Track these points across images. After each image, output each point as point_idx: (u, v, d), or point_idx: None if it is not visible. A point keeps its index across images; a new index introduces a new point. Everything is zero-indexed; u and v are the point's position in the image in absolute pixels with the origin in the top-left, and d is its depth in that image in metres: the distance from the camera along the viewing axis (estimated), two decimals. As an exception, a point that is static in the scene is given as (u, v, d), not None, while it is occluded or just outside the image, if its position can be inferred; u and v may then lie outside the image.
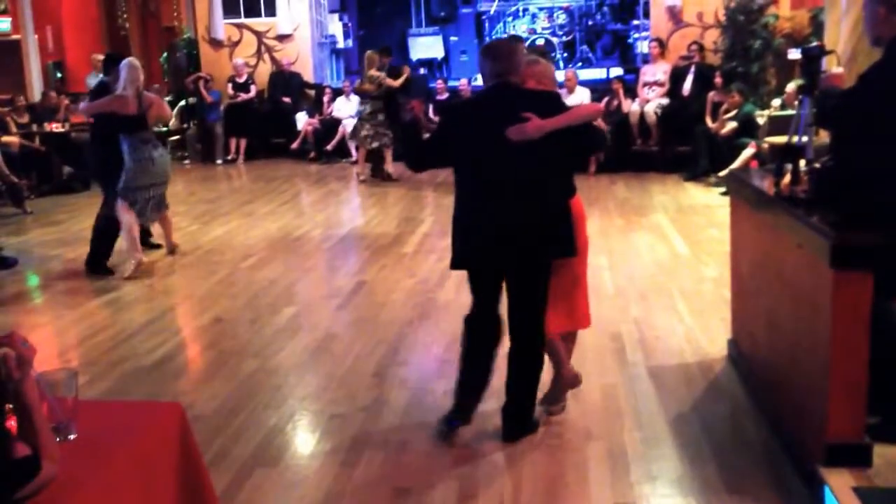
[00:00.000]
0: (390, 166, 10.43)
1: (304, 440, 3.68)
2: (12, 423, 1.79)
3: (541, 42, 14.09)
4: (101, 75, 11.08)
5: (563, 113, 3.28)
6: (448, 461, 3.37)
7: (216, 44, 13.36)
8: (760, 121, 8.93)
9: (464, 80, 11.88)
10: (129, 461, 1.97)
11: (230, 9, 13.29)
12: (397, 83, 10.42)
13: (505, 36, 14.46)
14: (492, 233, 3.34)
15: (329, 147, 12.26)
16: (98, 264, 6.58)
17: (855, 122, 3.09)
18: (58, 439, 1.94)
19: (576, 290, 3.62)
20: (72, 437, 1.99)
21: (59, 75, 13.92)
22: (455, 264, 3.50)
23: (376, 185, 10.28)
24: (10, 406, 1.78)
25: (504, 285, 3.47)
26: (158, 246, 7.21)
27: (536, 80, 3.48)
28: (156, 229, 7.20)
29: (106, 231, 6.61)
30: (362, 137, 10.39)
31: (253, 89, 12.90)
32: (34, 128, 10.70)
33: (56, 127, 10.80)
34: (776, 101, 9.06)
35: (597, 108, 3.48)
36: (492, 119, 3.29)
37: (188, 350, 4.80)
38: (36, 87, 12.87)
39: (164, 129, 11.74)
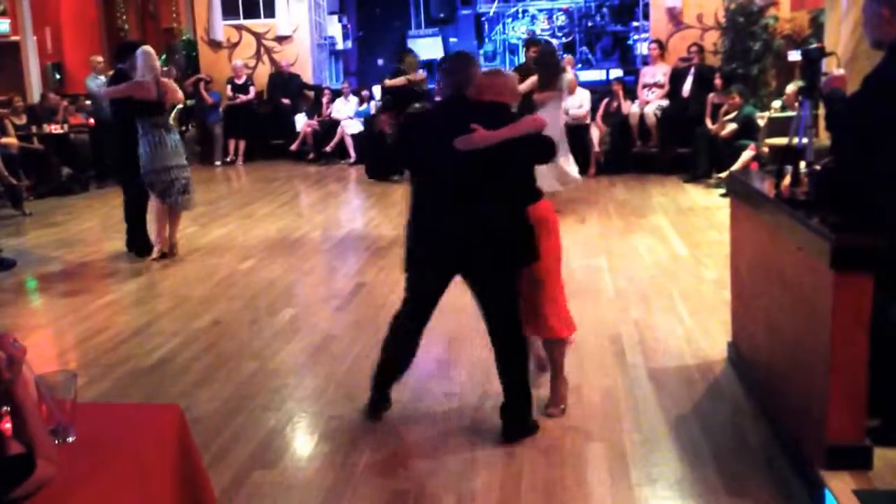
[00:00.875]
0: None
1: (303, 442, 3.67)
2: (7, 426, 1.78)
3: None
4: (100, 77, 11.15)
5: (509, 126, 3.40)
6: (447, 463, 3.37)
7: (215, 45, 13.36)
8: (760, 122, 8.92)
9: None
10: (127, 463, 1.96)
11: (229, 10, 13.30)
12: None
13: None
14: (443, 237, 3.49)
15: (328, 148, 12.26)
16: (133, 244, 7.10)
17: (858, 125, 3.08)
18: (56, 441, 1.93)
19: (539, 297, 3.64)
20: (70, 439, 1.98)
21: (57, 76, 13.90)
22: (406, 267, 3.63)
23: (376, 186, 10.27)
24: (6, 409, 1.77)
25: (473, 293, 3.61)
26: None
27: (494, 92, 3.59)
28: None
29: (129, 215, 7.11)
30: None
31: (252, 91, 12.90)
32: (33, 129, 10.69)
33: (55, 128, 10.79)
34: (776, 103, 9.06)
35: (539, 121, 3.55)
36: (444, 129, 3.44)
37: (187, 352, 4.79)
38: (35, 89, 12.85)
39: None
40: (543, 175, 7.76)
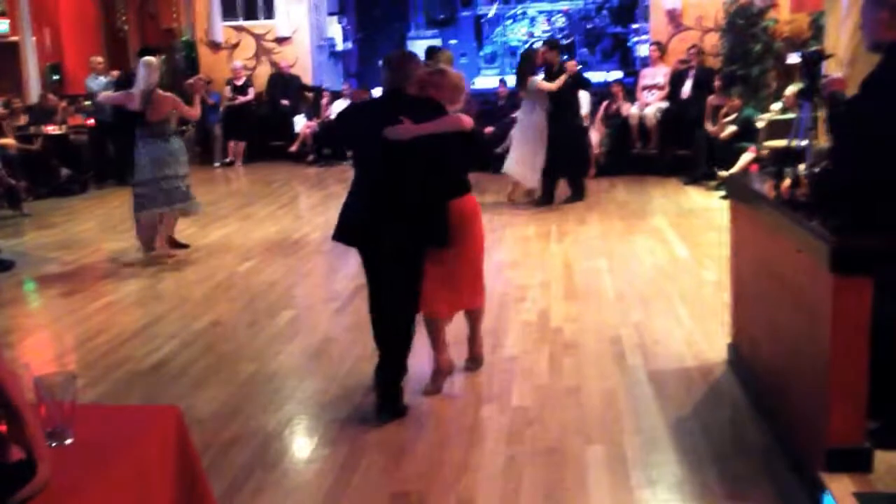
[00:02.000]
0: None
1: (303, 444, 3.66)
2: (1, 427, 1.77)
3: (538, 45, 14.06)
4: (100, 77, 11.15)
5: (434, 121, 3.70)
6: (447, 466, 3.36)
7: (215, 46, 13.36)
8: (760, 124, 8.92)
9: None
10: (126, 465, 1.95)
11: (229, 11, 13.29)
12: None
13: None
14: (365, 216, 3.81)
15: (328, 150, 12.25)
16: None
17: (859, 127, 3.08)
18: (55, 443, 1.93)
19: (459, 278, 4.01)
20: (69, 441, 1.98)
21: (56, 77, 13.89)
22: (333, 236, 3.96)
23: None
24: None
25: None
26: (185, 245, 7.27)
27: (435, 88, 3.92)
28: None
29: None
30: None
31: (251, 92, 12.89)
32: (32, 130, 10.68)
33: (54, 129, 10.78)
34: (776, 105, 9.05)
35: (459, 121, 3.77)
36: (378, 119, 3.74)
37: (186, 353, 4.78)
38: (34, 89, 12.82)
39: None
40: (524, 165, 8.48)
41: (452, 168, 3.95)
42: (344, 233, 3.90)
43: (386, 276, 3.80)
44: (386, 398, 3.82)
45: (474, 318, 4.31)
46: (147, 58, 6.83)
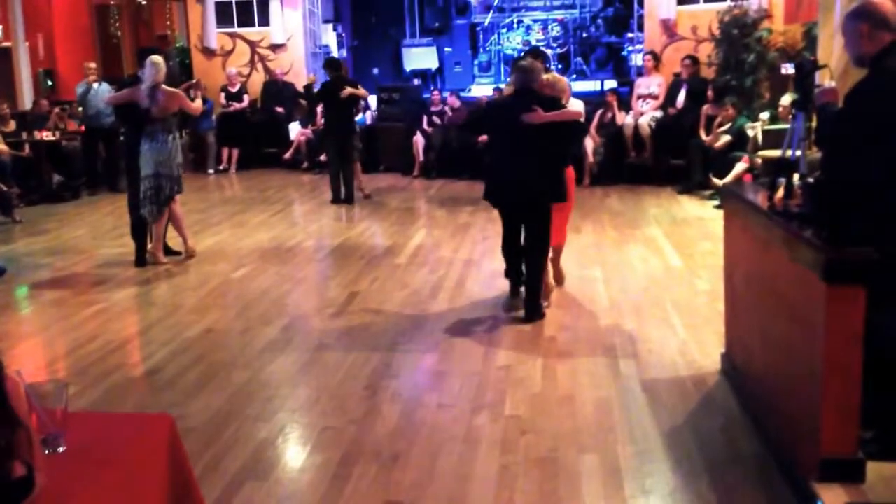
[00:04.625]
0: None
1: (295, 453, 3.65)
2: None
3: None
4: (88, 82, 11.12)
5: (556, 111, 5.18)
6: (440, 475, 3.35)
7: (209, 53, 13.36)
8: (750, 133, 8.94)
9: (453, 97, 11.88)
10: (118, 474, 1.94)
11: (223, 18, 13.29)
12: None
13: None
14: (507, 180, 5.26)
15: (322, 157, 12.23)
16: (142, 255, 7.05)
17: (847, 142, 3.10)
18: (47, 451, 1.91)
19: (561, 221, 5.57)
20: (61, 448, 1.97)
21: (49, 83, 13.87)
22: (485, 196, 5.48)
23: (371, 196, 10.24)
24: None
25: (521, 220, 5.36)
26: (178, 253, 7.24)
27: (550, 88, 5.40)
28: (170, 234, 7.29)
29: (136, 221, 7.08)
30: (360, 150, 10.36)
31: (246, 99, 12.89)
32: (24, 136, 10.64)
33: (46, 135, 10.75)
34: (764, 115, 9.06)
35: (578, 112, 5.47)
36: (515, 109, 5.20)
37: (178, 361, 4.76)
38: (27, 95, 12.80)
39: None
40: None
41: (564, 146, 5.37)
42: (492, 194, 5.38)
43: (527, 223, 5.26)
44: (531, 308, 5.24)
45: (555, 251, 5.77)
46: (153, 56, 6.92)
